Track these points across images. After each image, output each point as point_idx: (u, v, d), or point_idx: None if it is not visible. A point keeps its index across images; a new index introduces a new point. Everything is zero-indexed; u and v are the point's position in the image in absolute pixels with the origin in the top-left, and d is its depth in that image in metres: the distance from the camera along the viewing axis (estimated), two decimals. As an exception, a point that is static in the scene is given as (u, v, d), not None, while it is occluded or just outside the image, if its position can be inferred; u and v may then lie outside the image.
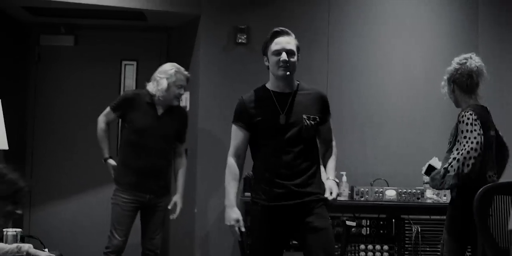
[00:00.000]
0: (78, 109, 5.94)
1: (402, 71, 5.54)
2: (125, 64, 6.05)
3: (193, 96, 5.45)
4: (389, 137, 5.48)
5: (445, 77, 3.92)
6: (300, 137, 3.46)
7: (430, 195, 5.03)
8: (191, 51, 5.58)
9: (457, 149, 3.65)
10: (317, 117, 3.50)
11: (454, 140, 3.76)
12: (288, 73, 3.44)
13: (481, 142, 3.61)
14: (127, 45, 6.02)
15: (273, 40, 3.46)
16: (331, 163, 3.58)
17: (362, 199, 5.06)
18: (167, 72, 4.59)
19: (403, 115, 5.50)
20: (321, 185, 3.49)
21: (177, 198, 4.69)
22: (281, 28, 3.50)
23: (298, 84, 3.56)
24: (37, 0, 5.23)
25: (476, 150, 3.59)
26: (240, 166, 3.55)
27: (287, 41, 3.46)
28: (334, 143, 3.63)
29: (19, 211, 2.71)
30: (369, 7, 5.58)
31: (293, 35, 3.51)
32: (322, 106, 3.55)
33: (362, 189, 5.07)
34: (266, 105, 3.50)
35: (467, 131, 3.65)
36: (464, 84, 3.85)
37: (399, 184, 5.15)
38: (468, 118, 3.67)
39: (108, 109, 4.64)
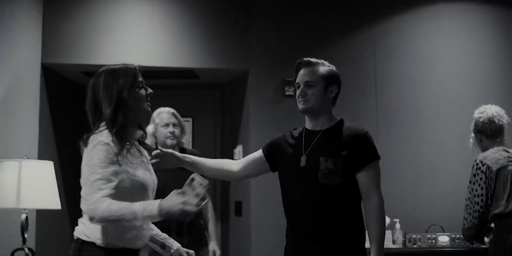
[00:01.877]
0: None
1: (454, 114, 5.55)
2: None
3: (245, 149, 5.59)
4: (444, 180, 5.45)
5: (472, 134, 4.04)
6: (318, 184, 2.90)
7: (486, 239, 4.97)
8: (242, 105, 5.75)
9: (466, 200, 3.83)
10: (340, 159, 2.89)
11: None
12: (305, 106, 3.00)
13: (483, 195, 3.74)
14: (182, 103, 6.21)
15: (296, 74, 3.12)
16: (373, 231, 2.89)
17: (415, 246, 5.04)
18: (152, 118, 4.36)
19: (457, 158, 5.45)
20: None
21: (213, 247, 4.40)
22: (303, 58, 3.13)
23: (337, 122, 3.06)
24: (94, 65, 5.50)
25: (478, 203, 3.75)
26: (232, 164, 3.20)
27: (304, 73, 3.06)
28: (376, 198, 2.92)
29: None
30: (415, 52, 5.65)
31: (318, 64, 3.08)
32: (355, 146, 2.93)
33: (415, 236, 5.04)
34: (295, 144, 3.07)
35: (470, 182, 3.81)
36: (488, 130, 3.94)
37: (456, 230, 5.11)
38: (473, 167, 3.79)
39: None
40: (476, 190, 3.75)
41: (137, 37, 5.52)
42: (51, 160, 4.19)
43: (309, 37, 5.68)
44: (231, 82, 6.07)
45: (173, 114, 4.37)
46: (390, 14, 5.68)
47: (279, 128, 5.56)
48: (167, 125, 4.32)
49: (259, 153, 3.20)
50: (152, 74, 5.86)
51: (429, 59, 5.63)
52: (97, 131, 2.67)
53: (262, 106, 5.58)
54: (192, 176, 2.47)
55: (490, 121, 3.96)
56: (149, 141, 4.18)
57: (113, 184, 2.55)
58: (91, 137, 2.66)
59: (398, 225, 5.07)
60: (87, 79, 6.03)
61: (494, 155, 3.82)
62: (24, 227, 3.86)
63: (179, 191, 2.46)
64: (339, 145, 2.96)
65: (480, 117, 4.00)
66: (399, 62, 5.64)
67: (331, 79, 3.07)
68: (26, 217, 3.85)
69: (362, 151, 2.94)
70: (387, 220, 4.90)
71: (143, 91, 2.76)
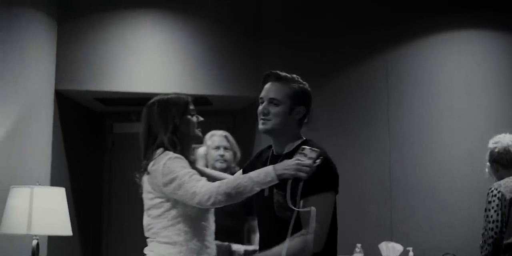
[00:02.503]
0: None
1: (467, 142, 5.49)
2: (194, 148, 6.25)
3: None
4: (458, 208, 5.38)
5: (488, 163, 4.01)
6: (276, 218, 2.59)
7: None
8: (254, 132, 5.73)
9: (483, 229, 3.77)
10: (286, 193, 2.51)
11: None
12: (265, 127, 2.67)
13: (498, 220, 3.68)
14: (195, 129, 6.23)
15: (263, 87, 2.78)
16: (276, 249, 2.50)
17: (430, 274, 4.97)
18: (204, 140, 4.35)
19: (471, 185, 5.37)
20: None
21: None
22: (272, 71, 2.77)
23: (297, 145, 2.64)
24: (107, 92, 5.54)
25: (492, 229, 3.69)
26: None
27: (271, 88, 2.71)
28: (309, 236, 2.45)
29: None
30: (428, 77, 5.62)
31: (287, 80, 2.71)
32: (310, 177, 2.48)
33: (428, 265, 4.98)
34: (261, 167, 2.66)
35: (485, 209, 3.76)
36: (503, 160, 3.91)
37: (470, 258, 5.06)
38: (488, 194, 3.75)
39: None
40: (492, 216, 3.71)
41: (150, 64, 5.55)
42: (63, 186, 4.19)
43: (321, 62, 5.69)
44: (243, 109, 6.08)
45: (226, 137, 4.35)
46: (403, 40, 5.67)
47: (291, 155, 5.58)
48: (218, 148, 4.29)
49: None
50: (165, 100, 5.87)
51: (442, 86, 5.61)
52: (156, 156, 2.85)
53: (274, 132, 5.54)
54: (302, 146, 2.56)
55: (506, 151, 3.93)
56: (200, 163, 4.22)
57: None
58: (153, 162, 2.84)
59: (411, 254, 5.00)
60: (101, 105, 6.15)
61: (510, 184, 3.79)
62: (35, 254, 3.85)
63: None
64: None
65: (495, 147, 3.96)
66: (412, 88, 5.62)
67: (299, 99, 2.70)
68: (37, 243, 3.84)
69: (315, 182, 2.50)
70: (399, 248, 4.86)
71: (194, 118, 2.97)
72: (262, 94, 2.75)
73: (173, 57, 5.60)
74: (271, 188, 2.60)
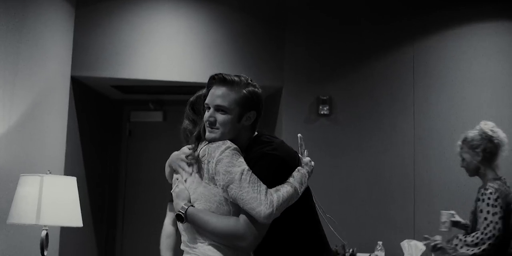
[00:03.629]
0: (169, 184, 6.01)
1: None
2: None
3: (277, 168, 5.41)
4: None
5: (470, 143, 3.80)
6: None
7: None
8: (275, 123, 5.61)
9: (476, 232, 3.60)
10: None
11: (474, 219, 3.70)
12: (213, 136, 2.46)
13: (499, 228, 3.55)
14: (214, 120, 6.11)
15: (208, 91, 2.53)
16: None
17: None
18: None
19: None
20: None
21: None
22: (217, 74, 2.51)
23: (247, 146, 2.50)
24: (125, 79, 5.41)
25: (493, 236, 3.55)
26: None
27: (217, 94, 2.47)
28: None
29: None
30: (455, 69, 5.45)
31: (234, 84, 2.47)
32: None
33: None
34: None
35: (488, 212, 3.59)
36: (491, 153, 3.77)
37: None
38: (489, 198, 3.55)
39: None
40: (496, 223, 3.57)
41: (169, 52, 5.42)
42: (77, 176, 4.08)
43: (346, 53, 5.56)
44: (266, 98, 5.92)
45: None
46: (430, 31, 5.51)
47: (312, 149, 5.43)
48: None
49: None
50: (185, 89, 5.74)
51: (470, 78, 5.43)
52: (204, 145, 2.50)
53: (295, 125, 5.43)
54: (299, 135, 2.66)
55: (497, 145, 3.84)
56: None
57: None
58: (203, 151, 2.47)
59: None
60: (117, 92, 6.04)
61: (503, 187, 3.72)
62: (44, 245, 3.72)
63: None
64: None
65: (491, 137, 3.86)
66: (439, 80, 5.45)
67: (248, 104, 2.48)
68: (47, 234, 3.71)
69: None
70: (422, 246, 4.70)
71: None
72: (208, 100, 2.49)
73: (192, 45, 5.47)
74: None
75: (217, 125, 2.45)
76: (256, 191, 2.31)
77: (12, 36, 4.29)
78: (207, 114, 2.47)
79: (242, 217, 2.33)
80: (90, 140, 5.65)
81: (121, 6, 5.43)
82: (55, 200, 3.62)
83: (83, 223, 3.86)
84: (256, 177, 2.34)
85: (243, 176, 2.33)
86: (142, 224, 6.01)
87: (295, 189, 2.40)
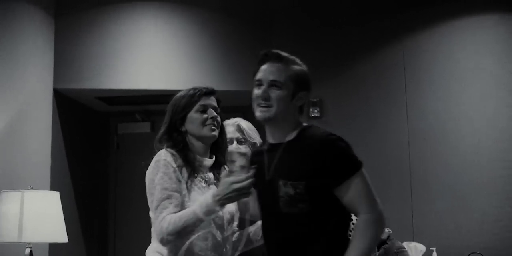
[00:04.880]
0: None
1: (492, 133, 5.16)
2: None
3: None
4: (484, 204, 5.06)
5: None
6: (282, 214, 2.35)
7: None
8: (263, 128, 5.48)
9: None
10: (302, 182, 2.30)
11: None
12: (267, 115, 2.37)
13: None
14: (203, 127, 6.00)
15: (259, 68, 2.45)
16: (351, 248, 2.27)
17: (455, 276, 4.69)
18: None
19: (498, 179, 5.06)
20: None
21: None
22: (271, 50, 2.47)
23: (300, 130, 2.41)
24: (109, 90, 5.29)
25: None
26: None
27: (271, 70, 2.40)
28: (364, 214, 2.30)
29: None
30: (446, 66, 5.32)
31: (289, 61, 2.43)
32: (321, 160, 2.29)
33: (453, 265, 4.71)
34: (259, 164, 2.46)
35: None
36: None
37: (498, 257, 4.78)
38: None
39: None
40: None
41: (152, 60, 5.32)
42: (64, 191, 3.95)
43: (335, 52, 5.46)
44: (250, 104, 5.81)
45: (239, 126, 3.49)
46: (420, 27, 5.39)
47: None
48: (230, 141, 3.47)
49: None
50: (170, 98, 5.63)
51: (463, 74, 5.31)
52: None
53: (285, 129, 5.29)
54: (228, 151, 2.57)
55: None
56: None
57: (175, 200, 2.52)
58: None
59: (435, 254, 4.73)
60: (102, 104, 5.90)
61: None
62: (29, 263, 3.58)
63: (225, 173, 2.47)
64: (300, 162, 2.33)
65: None
66: (431, 76, 5.33)
67: (301, 83, 2.42)
68: (31, 252, 3.57)
69: (332, 166, 2.29)
70: (422, 248, 4.59)
71: (198, 115, 2.63)
72: (260, 75, 2.40)
73: (176, 51, 5.37)
74: (275, 180, 2.35)
75: (271, 101, 2.35)
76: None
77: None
78: (258, 91, 2.39)
79: None
80: (77, 154, 5.51)
81: (102, 16, 5.32)
82: (37, 216, 3.50)
83: (72, 239, 3.74)
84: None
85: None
86: (133, 238, 5.85)
87: (194, 215, 2.43)
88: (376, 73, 5.37)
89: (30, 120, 4.76)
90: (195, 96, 2.67)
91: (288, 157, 2.35)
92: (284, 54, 2.44)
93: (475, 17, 5.39)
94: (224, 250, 2.59)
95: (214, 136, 2.66)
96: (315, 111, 5.25)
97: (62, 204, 3.86)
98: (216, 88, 5.18)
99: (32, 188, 3.65)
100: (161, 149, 2.63)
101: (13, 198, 3.49)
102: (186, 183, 2.57)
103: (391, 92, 5.33)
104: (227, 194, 2.37)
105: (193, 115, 2.65)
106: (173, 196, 2.51)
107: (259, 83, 2.39)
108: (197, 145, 2.66)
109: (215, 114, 2.67)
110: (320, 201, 2.31)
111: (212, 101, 2.71)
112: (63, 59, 5.21)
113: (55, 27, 5.20)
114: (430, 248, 4.70)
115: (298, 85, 2.40)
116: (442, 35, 5.37)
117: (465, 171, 5.15)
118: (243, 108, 6.04)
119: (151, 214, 2.60)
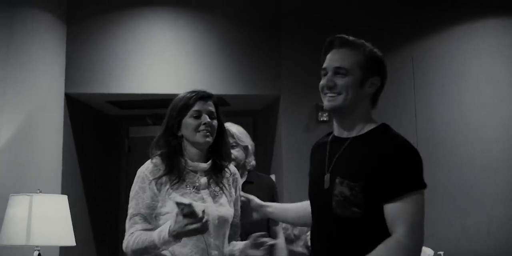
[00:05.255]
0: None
1: (501, 137, 5.17)
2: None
3: (278, 178, 5.31)
4: (492, 207, 5.05)
5: None
6: (333, 215, 2.15)
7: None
8: (274, 132, 5.50)
9: None
10: (359, 183, 2.10)
11: None
12: (334, 104, 2.21)
13: None
14: (212, 131, 6.01)
15: (325, 57, 2.31)
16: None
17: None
18: None
19: (507, 184, 5.07)
20: None
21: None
22: (337, 35, 2.32)
23: (373, 129, 2.24)
24: (120, 94, 5.33)
25: None
26: None
27: (336, 57, 2.25)
28: (400, 235, 2.05)
29: None
30: (456, 70, 5.32)
31: (356, 46, 2.27)
32: (386, 166, 2.09)
33: (463, 269, 4.69)
34: (320, 157, 2.31)
35: None
36: None
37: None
38: None
39: None
40: None
41: (163, 65, 5.34)
42: (75, 195, 3.99)
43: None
44: (263, 108, 5.82)
45: (229, 132, 3.47)
46: (429, 32, 5.39)
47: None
48: None
49: None
50: (180, 102, 5.66)
51: (472, 78, 5.30)
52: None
53: (294, 132, 5.31)
54: (175, 201, 2.36)
55: None
56: None
57: (144, 217, 2.57)
58: None
59: (443, 258, 4.72)
60: (113, 108, 5.95)
61: None
62: (37, 266, 3.62)
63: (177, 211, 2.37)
64: (363, 161, 2.13)
65: None
66: (440, 81, 5.32)
67: (371, 67, 2.24)
68: (39, 254, 3.60)
69: (394, 175, 2.07)
70: (430, 252, 4.57)
71: (191, 120, 2.62)
72: (325, 64, 2.26)
73: (187, 56, 5.39)
74: (333, 177, 2.17)
75: (338, 89, 2.21)
76: None
77: (-1, 54, 4.22)
78: (324, 80, 2.25)
79: None
80: (88, 158, 5.55)
81: (113, 21, 5.36)
82: (45, 219, 3.53)
83: (82, 243, 3.78)
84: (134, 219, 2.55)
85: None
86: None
87: (153, 244, 2.45)
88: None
89: (42, 124, 4.80)
90: (190, 100, 2.65)
91: (352, 153, 2.18)
92: (351, 38, 2.28)
93: (485, 21, 5.39)
94: None
95: (207, 142, 2.63)
96: (324, 115, 5.25)
97: (72, 207, 3.90)
98: (226, 92, 5.29)
99: (40, 192, 3.69)
100: (155, 154, 2.65)
101: (21, 202, 3.54)
102: (167, 191, 2.57)
103: (400, 97, 5.31)
104: (183, 232, 2.36)
105: (188, 120, 2.63)
106: (143, 213, 2.56)
107: (325, 72, 2.25)
108: (192, 150, 2.65)
109: (209, 120, 2.63)
110: (375, 209, 2.09)
111: (209, 105, 2.68)
112: (75, 64, 5.26)
113: (66, 32, 5.25)
114: (438, 252, 4.68)
115: (367, 70, 2.22)
116: (452, 39, 5.36)
117: (474, 175, 5.14)
118: (253, 112, 6.09)
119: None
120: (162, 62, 5.35)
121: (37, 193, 3.65)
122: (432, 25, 5.40)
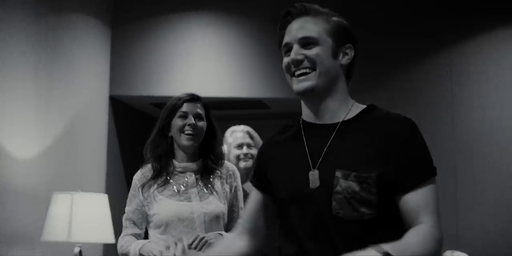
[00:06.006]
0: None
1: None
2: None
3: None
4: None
5: None
6: (334, 219, 1.71)
7: None
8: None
9: None
10: (372, 174, 1.69)
11: None
12: (309, 84, 1.79)
13: None
14: (252, 133, 6.09)
15: (283, 31, 1.88)
16: (410, 243, 1.66)
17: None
18: (225, 138, 3.91)
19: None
20: None
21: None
22: (294, 4, 1.88)
23: (363, 110, 1.85)
24: (163, 97, 5.45)
25: None
26: (235, 240, 1.96)
27: (299, 26, 1.83)
28: (435, 232, 1.72)
29: None
30: (496, 75, 5.25)
31: (319, 13, 1.86)
32: (398, 150, 1.71)
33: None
34: (293, 153, 1.83)
35: None
36: None
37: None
38: None
39: None
40: None
41: (205, 68, 5.44)
42: (119, 195, 4.12)
43: (381, 62, 5.45)
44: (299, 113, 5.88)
45: (248, 133, 3.92)
46: (469, 35, 5.35)
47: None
48: (240, 146, 3.83)
49: (254, 195, 1.97)
50: (221, 104, 5.77)
51: (510, 82, 5.26)
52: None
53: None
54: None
55: None
56: None
57: (134, 222, 2.83)
58: None
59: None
60: (157, 110, 6.07)
61: None
62: (77, 261, 3.76)
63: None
64: (372, 147, 1.72)
65: None
66: (479, 88, 5.28)
67: (341, 35, 1.85)
68: (80, 251, 3.74)
69: (414, 159, 1.73)
70: (464, 258, 4.55)
71: (178, 120, 2.75)
72: (287, 38, 1.83)
73: (228, 59, 5.48)
74: (327, 171, 1.74)
75: (309, 63, 1.78)
76: None
77: (47, 57, 4.38)
78: (287, 58, 1.83)
79: None
80: (132, 159, 5.68)
81: (156, 25, 5.50)
82: (86, 217, 3.67)
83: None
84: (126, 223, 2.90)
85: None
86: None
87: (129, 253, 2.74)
88: (422, 83, 5.36)
89: (87, 125, 4.96)
90: (178, 102, 2.79)
91: (350, 141, 1.76)
92: (314, 6, 1.88)
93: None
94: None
95: (192, 145, 2.74)
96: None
97: (115, 206, 4.03)
98: (266, 95, 5.39)
99: (81, 191, 3.84)
100: (148, 157, 2.84)
101: (63, 200, 3.68)
102: (153, 193, 2.75)
103: (438, 101, 5.30)
104: (153, 252, 2.59)
105: (175, 121, 2.77)
106: (132, 218, 2.81)
107: (288, 48, 1.83)
108: (180, 152, 2.79)
109: (193, 121, 2.73)
110: (386, 206, 1.72)
111: (196, 107, 2.79)
112: (119, 67, 5.40)
113: (111, 36, 5.41)
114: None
115: (338, 37, 1.83)
116: (490, 43, 5.32)
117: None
118: (293, 115, 6.11)
119: None
120: (203, 65, 5.46)
121: (78, 191, 3.79)
122: (470, 29, 5.35)
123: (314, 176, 1.76)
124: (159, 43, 5.46)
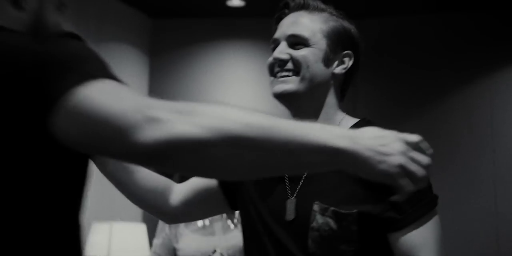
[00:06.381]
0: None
1: None
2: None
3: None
4: None
5: None
6: (309, 254, 1.47)
7: None
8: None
9: None
10: (352, 213, 1.45)
11: None
12: (289, 88, 1.55)
13: None
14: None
15: (277, 25, 1.63)
16: None
17: None
18: None
19: None
20: None
21: None
22: None
23: (353, 126, 1.58)
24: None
25: None
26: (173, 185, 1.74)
27: (291, 21, 1.58)
28: None
29: None
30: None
31: (317, 9, 1.59)
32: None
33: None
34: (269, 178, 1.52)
35: None
36: None
37: None
38: None
39: None
40: None
41: (243, 97, 5.43)
42: (156, 223, 4.09)
43: (420, 91, 5.40)
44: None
45: None
46: (509, 63, 5.27)
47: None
48: None
49: (206, 181, 1.72)
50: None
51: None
52: None
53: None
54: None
55: None
56: None
57: None
58: None
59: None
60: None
61: None
62: (116, 292, 3.75)
63: None
64: (353, 178, 1.28)
65: None
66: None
67: (341, 39, 1.57)
68: (118, 280, 3.73)
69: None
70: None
71: None
72: (277, 33, 1.59)
73: (265, 86, 5.43)
74: (304, 203, 1.49)
75: (294, 65, 1.54)
76: None
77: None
78: (271, 58, 1.60)
79: None
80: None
81: (195, 53, 5.52)
82: (124, 246, 3.67)
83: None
84: None
85: None
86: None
87: None
88: (462, 110, 5.29)
89: (124, 153, 4.96)
90: None
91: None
92: (314, 1, 1.61)
93: None
94: None
95: None
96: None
97: (153, 236, 4.01)
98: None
99: (120, 220, 3.84)
100: None
101: (102, 229, 3.68)
102: (179, 227, 2.90)
103: (477, 128, 5.22)
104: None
105: None
106: (159, 253, 2.91)
107: (275, 45, 1.59)
108: None
109: None
110: (372, 241, 1.49)
111: None
112: (157, 95, 5.40)
113: (149, 64, 5.44)
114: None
115: (336, 41, 1.56)
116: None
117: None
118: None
119: None
120: (242, 94, 5.46)
121: (117, 221, 3.79)
122: (510, 56, 5.29)
123: (291, 205, 1.51)
124: (197, 72, 5.47)
